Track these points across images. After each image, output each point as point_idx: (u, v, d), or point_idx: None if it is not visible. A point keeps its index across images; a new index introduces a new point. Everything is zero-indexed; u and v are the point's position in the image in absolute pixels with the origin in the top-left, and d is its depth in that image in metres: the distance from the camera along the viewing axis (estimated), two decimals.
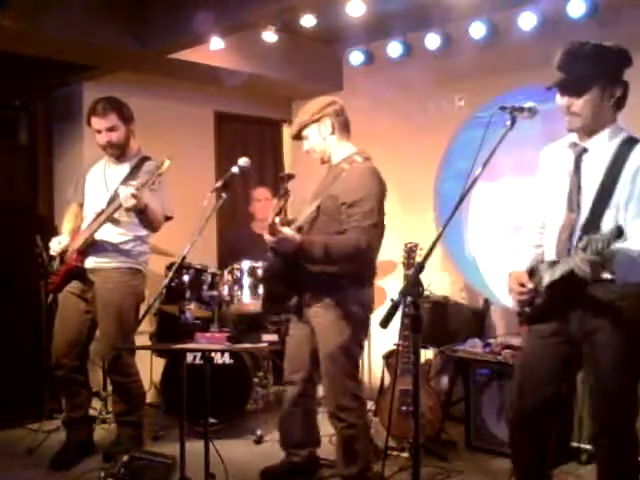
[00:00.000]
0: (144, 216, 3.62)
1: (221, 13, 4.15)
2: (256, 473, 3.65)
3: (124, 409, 3.92)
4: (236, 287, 4.36)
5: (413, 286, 2.18)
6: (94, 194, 3.91)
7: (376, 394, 4.53)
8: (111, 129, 3.80)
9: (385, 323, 2.12)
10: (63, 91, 5.37)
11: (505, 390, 3.97)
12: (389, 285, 4.68)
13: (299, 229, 3.30)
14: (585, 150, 2.59)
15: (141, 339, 4.49)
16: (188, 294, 4.49)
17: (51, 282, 3.91)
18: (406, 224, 4.70)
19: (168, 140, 5.00)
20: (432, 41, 4.79)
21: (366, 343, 3.89)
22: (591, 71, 2.50)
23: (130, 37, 4.48)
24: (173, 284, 4.42)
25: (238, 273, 4.36)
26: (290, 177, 3.27)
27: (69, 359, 3.86)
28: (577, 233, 2.51)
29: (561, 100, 2.56)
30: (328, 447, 3.87)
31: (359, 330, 3.35)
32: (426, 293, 4.40)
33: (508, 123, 2.43)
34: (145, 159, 3.86)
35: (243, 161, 3.24)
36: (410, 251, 4.17)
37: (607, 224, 2.43)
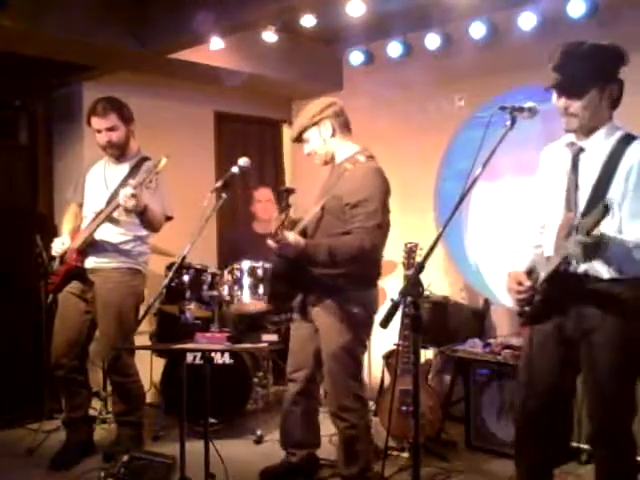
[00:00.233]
0: (144, 217, 3.62)
1: (221, 13, 4.15)
2: (256, 473, 3.65)
3: (124, 409, 3.92)
4: (236, 287, 4.34)
5: (413, 286, 2.19)
6: (94, 194, 3.91)
7: (376, 394, 4.53)
8: (111, 129, 3.80)
9: (385, 323, 2.13)
10: (63, 91, 5.37)
11: (505, 390, 3.98)
12: (389, 285, 4.69)
13: (304, 230, 3.31)
14: (582, 149, 2.59)
15: (141, 339, 4.49)
16: (188, 294, 4.49)
17: (51, 282, 3.91)
18: (406, 224, 4.69)
19: (168, 140, 5.00)
20: (432, 41, 4.79)
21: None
22: (589, 72, 2.50)
23: (130, 37, 4.47)
24: (173, 284, 4.41)
25: (238, 273, 4.36)
26: (290, 192, 3.26)
27: (69, 359, 3.86)
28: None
29: (558, 101, 2.56)
30: (328, 447, 3.88)
31: (362, 331, 3.35)
32: (426, 293, 4.40)
33: (508, 123, 2.43)
34: (145, 159, 3.86)
35: (243, 161, 3.24)
36: (410, 251, 4.18)
37: (603, 223, 2.44)
